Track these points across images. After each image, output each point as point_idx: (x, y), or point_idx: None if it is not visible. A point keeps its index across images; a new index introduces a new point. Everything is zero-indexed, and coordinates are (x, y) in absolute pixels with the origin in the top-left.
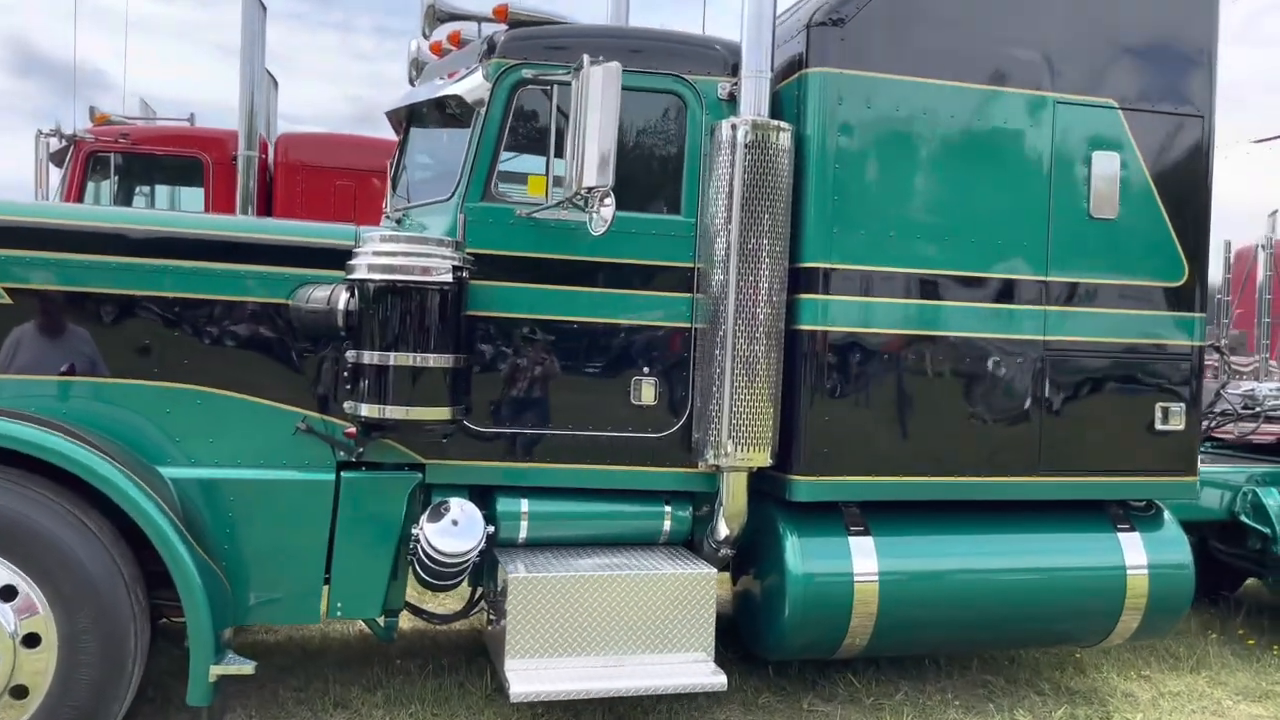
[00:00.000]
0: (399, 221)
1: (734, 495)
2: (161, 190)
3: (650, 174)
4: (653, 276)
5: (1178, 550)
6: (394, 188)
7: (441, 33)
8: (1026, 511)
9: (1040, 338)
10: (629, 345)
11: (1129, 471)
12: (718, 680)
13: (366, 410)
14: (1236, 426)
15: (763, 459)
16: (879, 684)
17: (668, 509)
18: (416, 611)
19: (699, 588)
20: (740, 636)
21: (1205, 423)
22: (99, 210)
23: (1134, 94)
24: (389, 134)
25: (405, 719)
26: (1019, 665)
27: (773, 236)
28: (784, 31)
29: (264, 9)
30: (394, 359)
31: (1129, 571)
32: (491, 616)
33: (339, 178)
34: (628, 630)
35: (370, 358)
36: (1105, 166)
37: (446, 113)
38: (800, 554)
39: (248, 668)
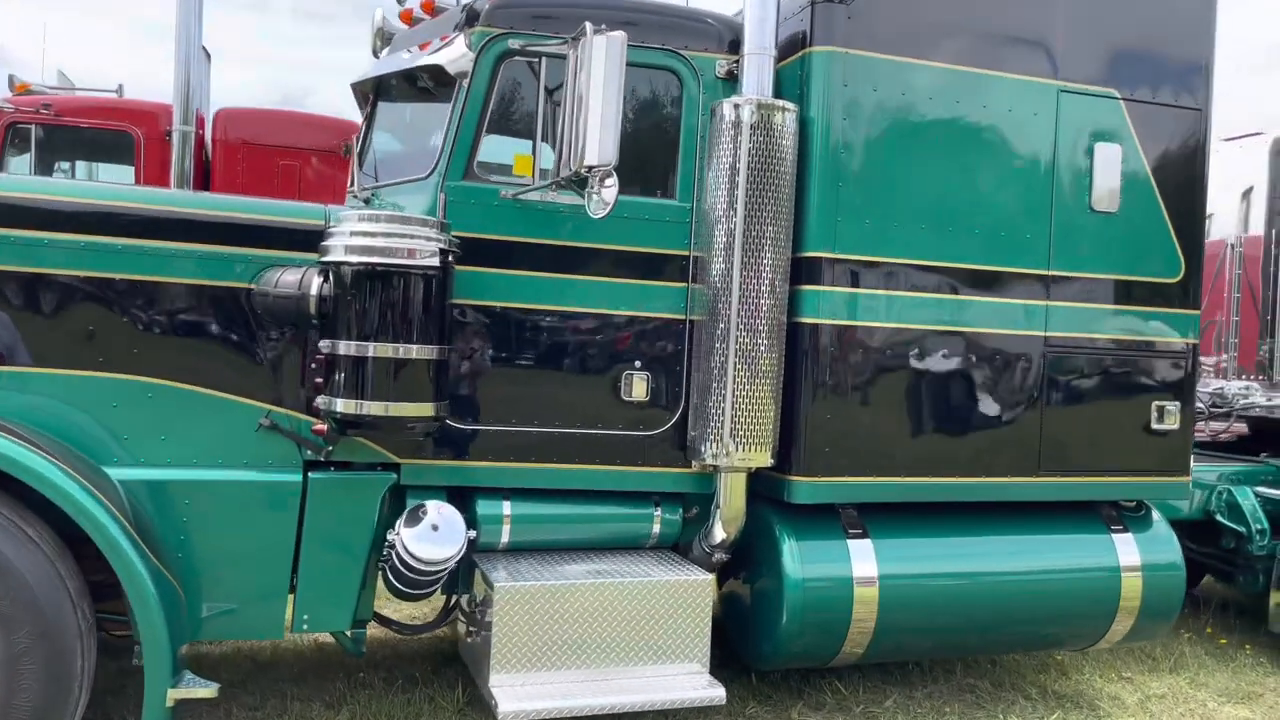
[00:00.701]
0: (367, 202)
1: (732, 497)
2: (85, 167)
3: (641, 155)
4: (645, 264)
5: (1170, 550)
6: (360, 165)
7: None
8: (1020, 512)
9: (1041, 334)
10: (619, 337)
11: (1126, 471)
12: (715, 694)
13: (343, 406)
14: (1208, 425)
15: (764, 459)
16: (867, 691)
17: (657, 511)
18: (386, 622)
19: (695, 595)
20: (728, 645)
21: None
22: (34, 181)
23: (1135, 85)
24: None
25: None
26: (1001, 669)
27: (776, 224)
28: (785, 7)
29: None
30: (373, 350)
31: (1124, 573)
32: (471, 628)
33: (283, 157)
34: (620, 641)
35: (347, 348)
36: (1107, 159)
37: (419, 86)
38: (798, 558)
39: (209, 690)
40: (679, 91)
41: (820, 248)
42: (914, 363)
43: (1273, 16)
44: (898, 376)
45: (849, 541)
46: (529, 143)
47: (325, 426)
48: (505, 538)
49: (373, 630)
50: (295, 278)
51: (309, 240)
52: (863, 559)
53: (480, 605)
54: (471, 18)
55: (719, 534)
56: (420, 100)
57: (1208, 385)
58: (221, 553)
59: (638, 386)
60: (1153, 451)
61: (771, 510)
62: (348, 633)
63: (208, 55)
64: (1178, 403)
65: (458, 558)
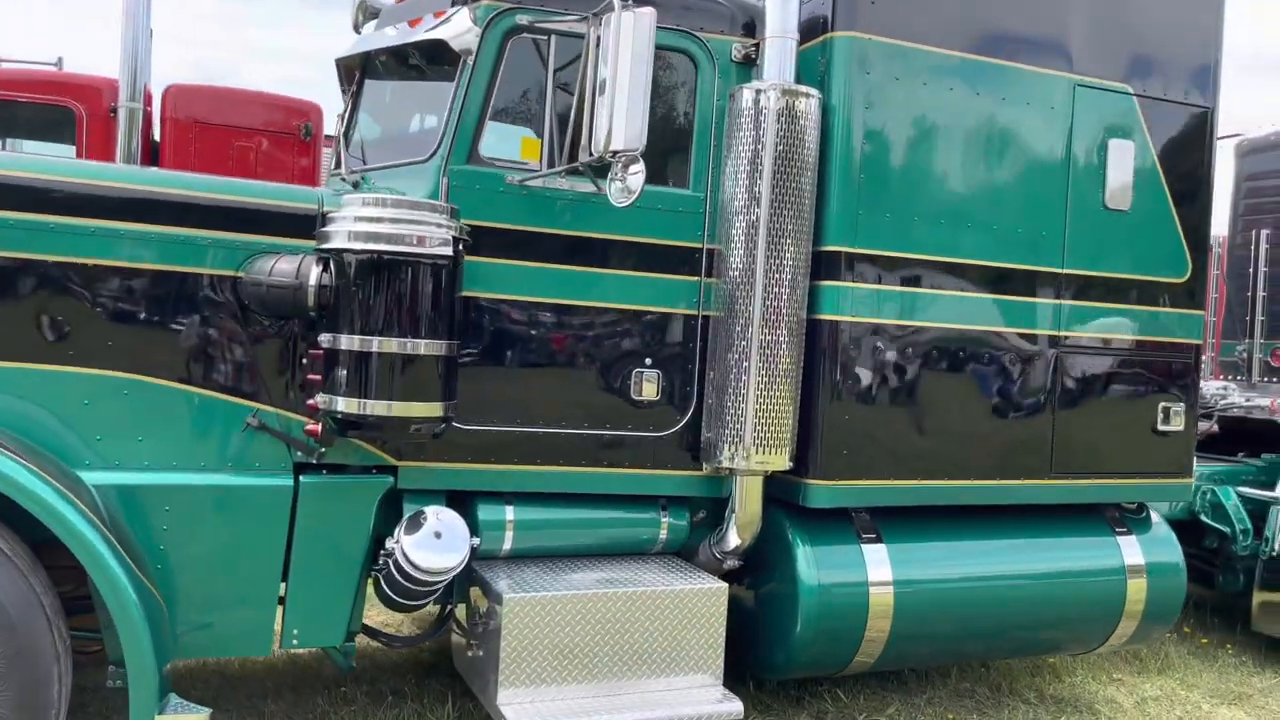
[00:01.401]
0: (356, 186)
1: (748, 502)
2: (20, 145)
3: (653, 142)
4: (656, 256)
5: (1172, 551)
6: (347, 146)
7: None
8: (1026, 515)
9: (1055, 333)
10: (629, 333)
11: (1133, 473)
12: (731, 708)
13: (345, 405)
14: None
15: (781, 462)
16: (868, 698)
17: (664, 516)
18: (374, 634)
19: (710, 604)
20: (730, 653)
21: None
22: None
23: (1147, 81)
24: None
25: None
26: (996, 673)
27: (798, 217)
28: None
29: None
30: (379, 345)
31: (1129, 575)
32: (472, 641)
33: (238, 137)
34: (631, 653)
35: (349, 343)
36: (1121, 156)
37: (415, 62)
38: (813, 563)
39: (201, 715)
40: (693, 76)
41: (840, 242)
42: (932, 363)
43: (1258, 20)
44: (916, 377)
45: (863, 546)
46: (517, 127)
47: (319, 426)
48: (508, 544)
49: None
50: (291, 266)
51: (301, 226)
52: (877, 564)
53: (484, 617)
54: None
55: (733, 540)
56: (415, 78)
57: None
58: (205, 563)
59: (648, 385)
60: (1158, 453)
61: (783, 514)
62: (339, 647)
63: (150, 31)
64: (1183, 404)
65: (461, 567)
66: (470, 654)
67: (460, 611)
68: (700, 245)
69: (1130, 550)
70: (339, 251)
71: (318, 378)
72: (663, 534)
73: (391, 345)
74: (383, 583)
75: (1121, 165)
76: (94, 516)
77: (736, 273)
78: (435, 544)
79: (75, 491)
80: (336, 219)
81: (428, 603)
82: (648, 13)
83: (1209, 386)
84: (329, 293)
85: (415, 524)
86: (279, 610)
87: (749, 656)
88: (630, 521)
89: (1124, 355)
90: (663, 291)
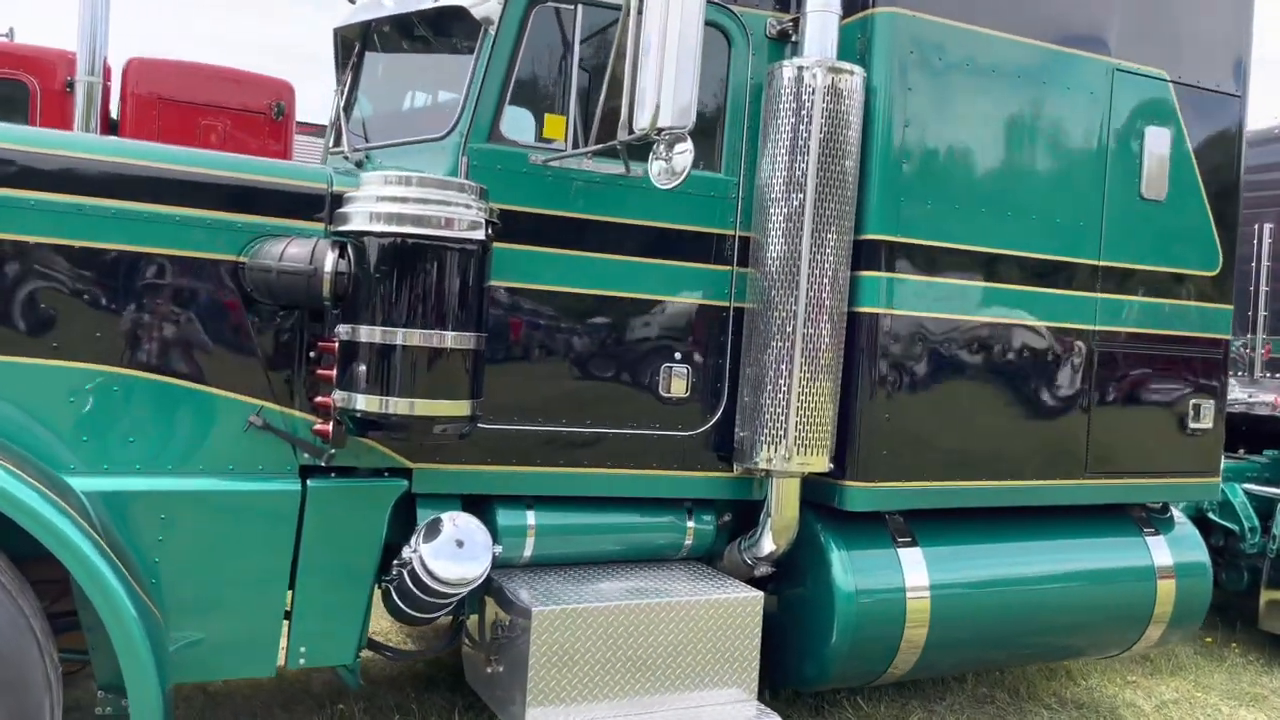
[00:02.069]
0: (359, 165)
1: (785, 505)
2: None
3: None
4: (684, 244)
5: (1199, 551)
6: (347, 120)
7: None
8: (1056, 516)
9: (1092, 328)
10: (655, 326)
11: (1165, 472)
12: None
13: (365, 403)
14: None
15: (822, 464)
16: (888, 706)
17: (690, 520)
18: (379, 648)
19: (746, 614)
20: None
21: None
22: None
23: (1182, 67)
24: None
25: None
26: (1012, 677)
27: (840, 203)
28: None
29: None
30: (403, 338)
31: (1159, 576)
32: (493, 655)
33: (203, 115)
34: (664, 667)
35: (370, 335)
36: (1157, 144)
37: (425, 33)
38: (849, 569)
39: None
40: (726, 52)
41: (881, 230)
42: (973, 358)
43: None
44: (957, 373)
45: (899, 550)
46: (538, 104)
47: (329, 426)
48: (528, 551)
49: None
50: (304, 251)
51: (308, 207)
52: (914, 569)
53: (507, 631)
54: None
55: (767, 545)
56: (426, 49)
57: None
58: (203, 576)
59: (676, 381)
60: (1189, 451)
61: (814, 516)
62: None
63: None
64: (1212, 401)
65: (483, 577)
66: (489, 670)
67: (472, 623)
68: (732, 233)
69: (1159, 551)
70: (358, 235)
71: (328, 372)
72: (688, 539)
73: (417, 338)
74: (394, 594)
75: (1158, 154)
76: (89, 528)
77: (775, 263)
78: (457, 553)
79: (64, 498)
80: (356, 199)
81: (442, 615)
82: None
83: None
84: (346, 280)
85: (434, 531)
86: (284, 626)
87: (776, 669)
88: (655, 526)
89: (1158, 351)
90: (691, 281)
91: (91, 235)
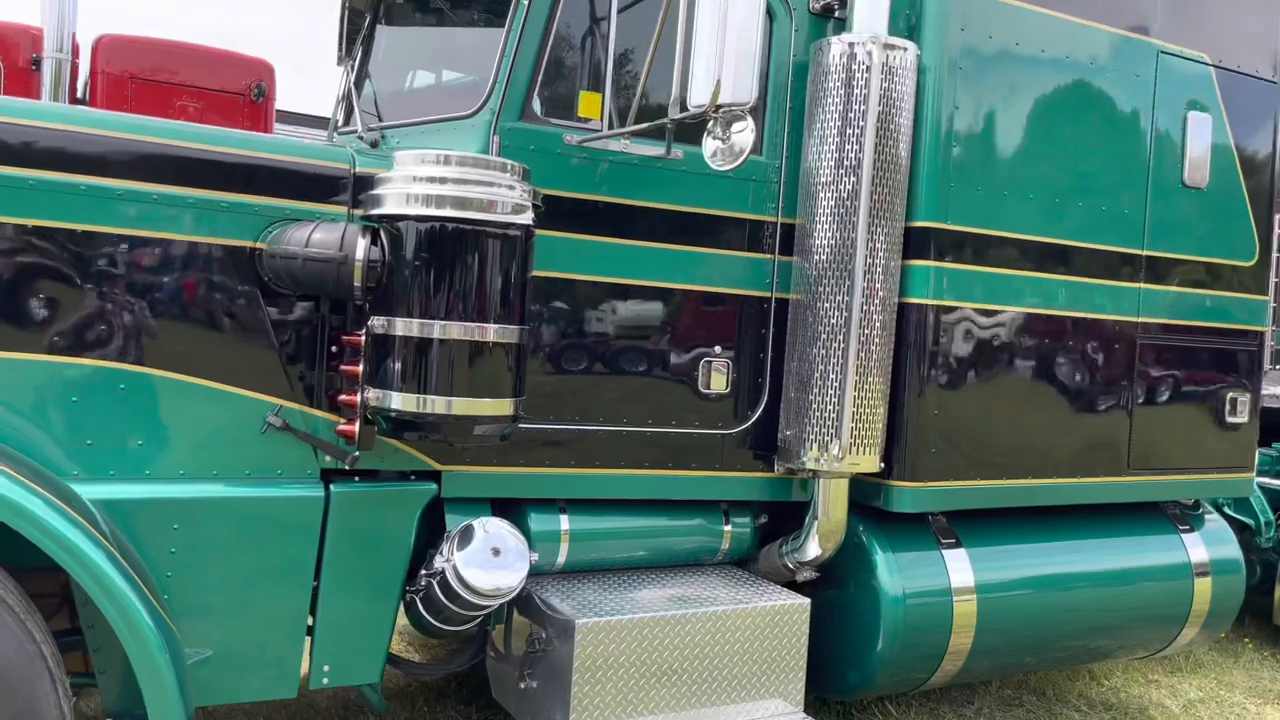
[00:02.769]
0: (374, 145)
1: (833, 507)
2: None
3: None
4: (722, 231)
5: (1232, 547)
6: (358, 94)
7: None
8: (1094, 514)
9: (1135, 320)
10: (693, 318)
11: (1203, 468)
12: None
13: (402, 401)
14: None
15: (872, 464)
16: (917, 711)
17: (726, 523)
18: (398, 663)
19: (793, 622)
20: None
21: None
22: None
23: (1223, 51)
24: None
25: None
26: (1037, 679)
27: (891, 188)
28: None
29: None
30: (441, 331)
31: (1195, 574)
32: (526, 670)
33: (179, 95)
34: (709, 679)
35: (406, 328)
36: (1199, 130)
37: (434, 5)
38: (896, 573)
39: None
40: (768, 27)
41: (931, 217)
42: (1021, 351)
43: None
44: (1005, 367)
45: (943, 552)
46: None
47: (354, 425)
48: (562, 558)
49: None
50: (331, 236)
51: (328, 188)
52: (960, 571)
53: (544, 644)
54: None
55: (813, 549)
56: (446, 22)
57: None
58: (220, 592)
59: (716, 376)
60: (1226, 446)
61: (857, 518)
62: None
63: None
64: (1248, 394)
65: (521, 586)
66: (522, 685)
67: (497, 635)
68: (774, 219)
69: (1195, 548)
70: (393, 219)
71: (353, 368)
72: (725, 543)
73: (458, 331)
74: (420, 605)
75: (1199, 140)
76: (101, 539)
77: (824, 252)
78: (493, 561)
79: (71, 506)
80: (390, 179)
81: (470, 628)
82: None
83: None
84: (380, 268)
85: (467, 538)
86: (306, 642)
87: (814, 676)
88: (691, 530)
89: (1197, 343)
90: (730, 270)
91: (94, 218)
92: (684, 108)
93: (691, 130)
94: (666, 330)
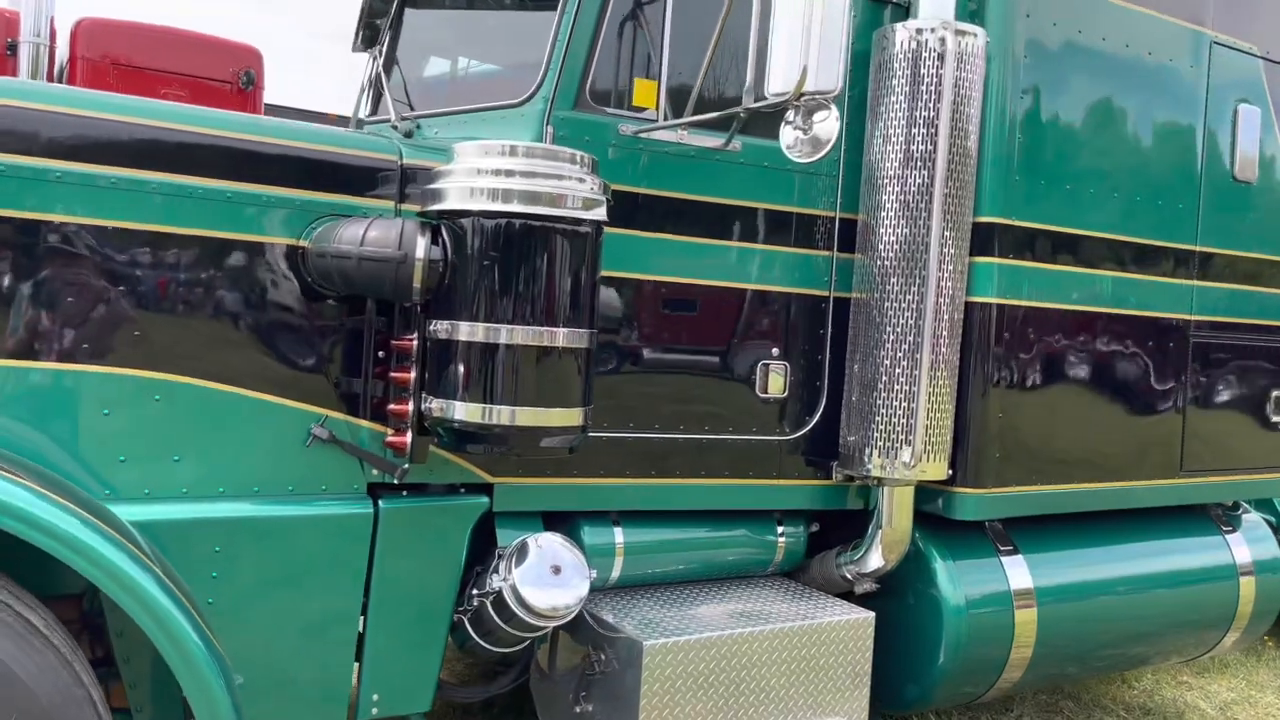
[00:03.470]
0: (408, 135)
1: (898, 516)
2: None
3: None
4: (779, 227)
5: (1271, 545)
6: (387, 81)
7: None
8: (1141, 518)
9: (1188, 318)
10: (749, 318)
11: (1252, 468)
12: None
13: (466, 412)
14: None
15: (940, 470)
16: (955, 717)
17: (781, 533)
18: (450, 690)
19: (858, 636)
20: None
21: None
22: None
23: (1268, 42)
24: None
25: None
26: (1072, 683)
27: (960, 182)
28: None
29: None
30: (508, 336)
31: (1240, 575)
32: (581, 694)
33: (163, 83)
34: (773, 698)
35: (471, 333)
36: (1249, 123)
37: None
38: (957, 582)
39: None
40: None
41: (996, 212)
42: (1083, 351)
43: None
44: (1067, 367)
45: (1002, 559)
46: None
47: (405, 437)
48: (616, 573)
49: None
50: (387, 234)
51: (374, 182)
52: (1019, 579)
53: (603, 665)
54: None
55: (875, 560)
56: (483, 4)
57: None
58: (264, 617)
59: (774, 379)
60: (1272, 446)
61: (917, 527)
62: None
63: None
64: None
65: (581, 604)
66: (578, 709)
67: (543, 654)
68: (831, 214)
69: (1239, 548)
70: (455, 215)
71: (404, 375)
72: (778, 554)
73: (526, 336)
74: (468, 625)
75: (1249, 134)
76: (149, 562)
77: (891, 249)
78: (553, 579)
79: (127, 537)
80: (449, 172)
81: (520, 649)
82: None
83: None
84: (441, 268)
85: (523, 555)
86: (355, 668)
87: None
88: (745, 540)
89: (1246, 341)
90: (787, 268)
91: (125, 214)
92: (760, 96)
93: (747, 121)
94: (722, 331)
